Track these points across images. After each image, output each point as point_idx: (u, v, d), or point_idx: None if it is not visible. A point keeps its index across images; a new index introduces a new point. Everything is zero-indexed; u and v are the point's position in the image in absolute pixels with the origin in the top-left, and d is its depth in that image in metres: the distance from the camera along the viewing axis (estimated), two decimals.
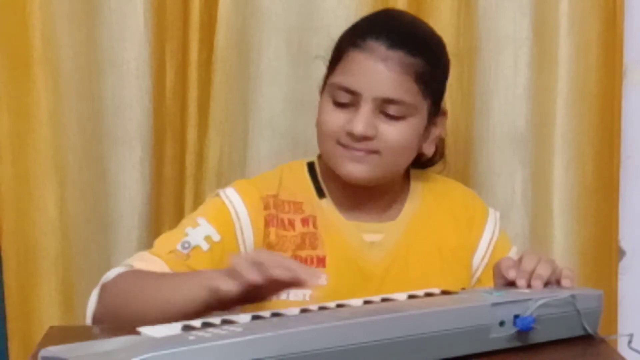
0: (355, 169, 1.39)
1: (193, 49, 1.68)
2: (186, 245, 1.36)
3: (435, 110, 1.44)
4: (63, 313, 1.65)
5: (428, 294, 1.16)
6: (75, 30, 1.64)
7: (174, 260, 1.35)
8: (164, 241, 1.39)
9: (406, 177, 1.50)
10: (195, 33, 1.68)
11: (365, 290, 1.33)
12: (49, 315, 1.64)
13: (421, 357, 1.01)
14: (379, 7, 1.67)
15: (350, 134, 1.38)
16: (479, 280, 1.49)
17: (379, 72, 1.37)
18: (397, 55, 1.37)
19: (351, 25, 1.45)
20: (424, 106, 1.41)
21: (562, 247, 1.71)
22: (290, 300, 1.36)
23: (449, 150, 1.69)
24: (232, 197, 1.42)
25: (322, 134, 1.42)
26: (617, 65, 1.73)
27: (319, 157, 1.49)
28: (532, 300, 1.10)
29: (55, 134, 1.64)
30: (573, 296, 1.14)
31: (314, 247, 1.42)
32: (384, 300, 1.13)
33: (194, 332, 0.92)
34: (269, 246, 1.41)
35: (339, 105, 1.39)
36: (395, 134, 1.38)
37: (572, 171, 1.72)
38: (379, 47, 1.37)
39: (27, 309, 1.65)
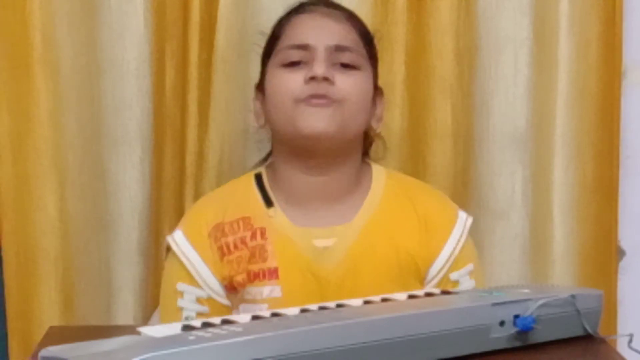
0: (317, 121, 1.35)
1: (193, 49, 1.68)
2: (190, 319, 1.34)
3: (376, 86, 1.46)
4: (63, 313, 1.64)
5: (428, 294, 1.17)
6: (75, 30, 1.64)
7: None
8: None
9: (368, 176, 1.45)
10: (195, 33, 1.67)
11: (322, 300, 1.23)
12: (49, 315, 1.64)
13: (421, 357, 1.01)
14: (379, 7, 1.68)
15: (313, 78, 1.35)
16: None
17: (326, 23, 1.42)
18: (337, 11, 1.44)
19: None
20: (369, 68, 1.43)
21: (562, 247, 1.71)
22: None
23: (449, 151, 1.70)
24: (182, 246, 1.41)
25: (279, 98, 1.39)
26: (617, 65, 1.73)
27: (268, 166, 1.48)
28: (532, 300, 1.10)
29: (55, 134, 1.63)
30: (573, 296, 1.14)
31: (264, 260, 1.38)
32: (383, 300, 1.13)
33: (194, 332, 0.93)
34: (229, 276, 1.39)
35: (291, 65, 1.39)
36: (352, 84, 1.39)
37: (572, 171, 1.72)
38: (318, 8, 1.44)
39: (27, 309, 1.65)
